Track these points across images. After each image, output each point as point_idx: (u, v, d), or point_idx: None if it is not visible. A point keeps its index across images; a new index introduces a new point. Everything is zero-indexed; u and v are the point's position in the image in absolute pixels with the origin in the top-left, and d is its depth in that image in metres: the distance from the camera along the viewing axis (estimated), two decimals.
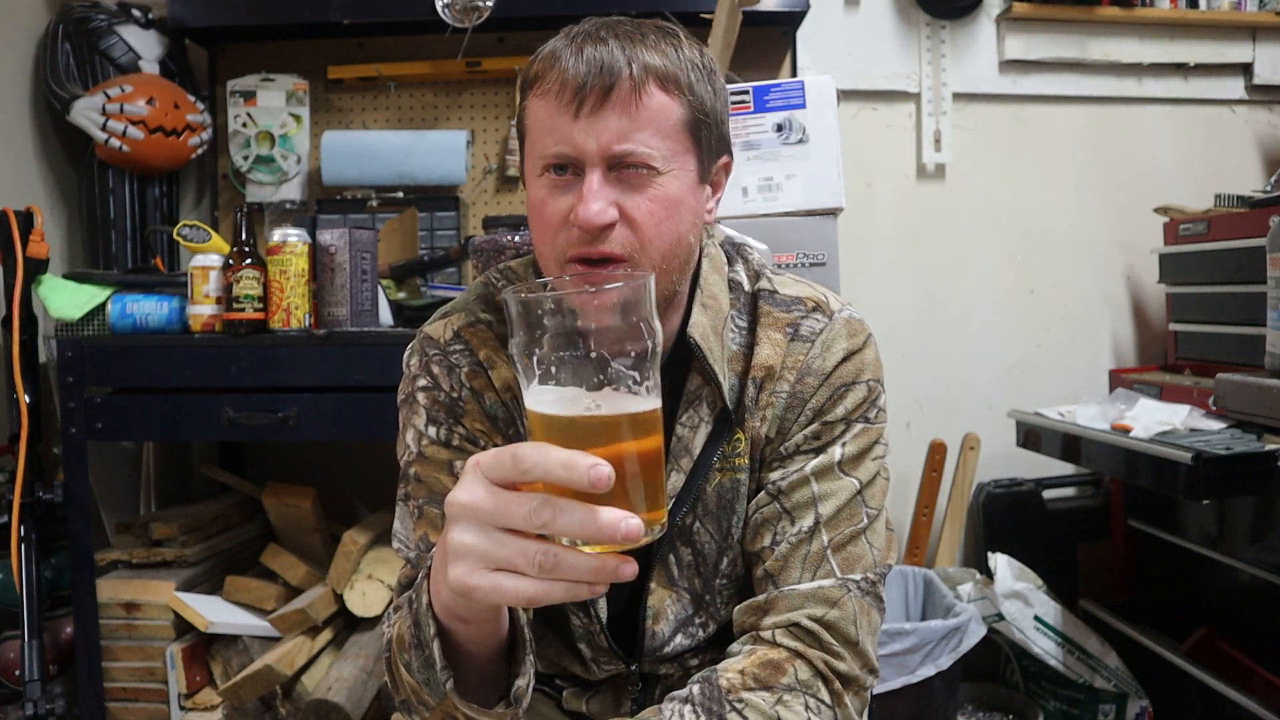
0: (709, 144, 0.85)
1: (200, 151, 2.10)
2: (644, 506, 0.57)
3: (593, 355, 0.56)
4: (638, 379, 0.57)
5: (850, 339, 0.90)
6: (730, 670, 0.82)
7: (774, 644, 0.84)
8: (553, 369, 0.57)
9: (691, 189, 0.84)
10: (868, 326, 0.93)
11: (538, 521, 0.55)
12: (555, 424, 0.57)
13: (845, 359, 0.90)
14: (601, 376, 0.56)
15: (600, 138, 0.79)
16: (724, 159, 0.90)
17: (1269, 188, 2.08)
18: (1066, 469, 2.28)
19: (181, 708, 1.72)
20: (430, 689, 0.72)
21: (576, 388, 0.56)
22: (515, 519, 0.56)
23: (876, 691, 1.58)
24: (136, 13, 2.07)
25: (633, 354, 0.57)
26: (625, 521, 0.54)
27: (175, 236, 1.73)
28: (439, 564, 0.67)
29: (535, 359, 0.57)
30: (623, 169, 0.80)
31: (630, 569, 0.56)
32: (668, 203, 0.81)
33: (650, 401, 0.58)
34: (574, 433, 0.56)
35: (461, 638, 0.71)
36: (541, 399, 0.57)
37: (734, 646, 0.87)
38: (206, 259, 1.67)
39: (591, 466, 0.54)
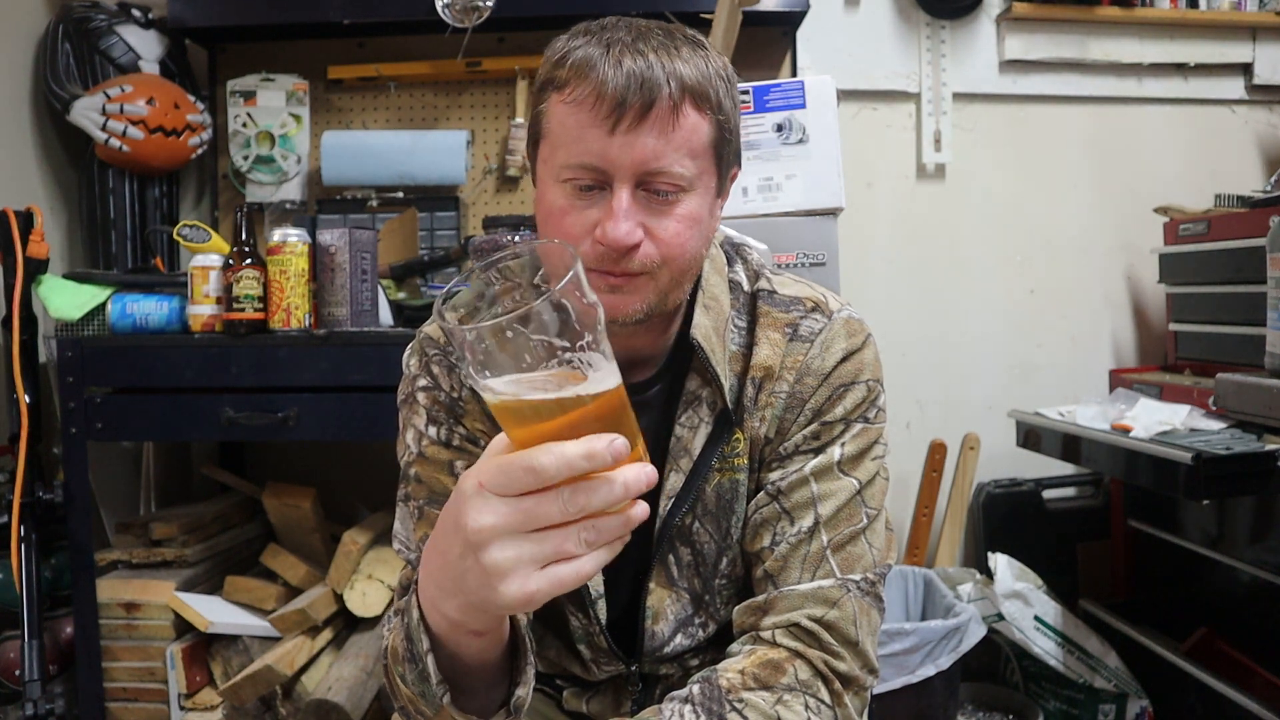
0: (727, 159, 0.86)
1: (200, 151, 2.10)
2: (633, 451, 0.59)
3: (541, 342, 0.57)
4: (587, 344, 0.57)
5: (849, 339, 0.90)
6: (730, 670, 0.82)
7: (774, 644, 0.84)
8: (502, 367, 0.57)
9: (710, 205, 0.85)
10: (867, 326, 0.93)
11: (574, 509, 0.56)
12: (524, 410, 0.57)
13: (844, 359, 0.89)
14: (553, 358, 0.57)
15: (635, 155, 0.78)
16: (734, 169, 0.90)
17: (1269, 188, 2.08)
18: (1066, 469, 2.28)
19: (181, 708, 1.72)
20: (426, 700, 0.72)
21: (531, 372, 0.57)
22: (551, 516, 0.56)
23: (876, 691, 1.58)
24: (136, 13, 2.07)
25: (582, 333, 0.57)
26: (639, 473, 0.58)
27: (175, 236, 1.74)
28: (426, 582, 0.67)
29: (489, 378, 0.57)
30: (651, 187, 0.80)
31: (643, 507, 0.59)
32: (691, 221, 0.82)
33: (605, 364, 0.59)
34: (546, 414, 0.57)
35: (470, 651, 0.70)
36: (501, 390, 0.58)
37: (734, 646, 0.87)
38: (206, 259, 1.67)
39: (609, 445, 0.55)
